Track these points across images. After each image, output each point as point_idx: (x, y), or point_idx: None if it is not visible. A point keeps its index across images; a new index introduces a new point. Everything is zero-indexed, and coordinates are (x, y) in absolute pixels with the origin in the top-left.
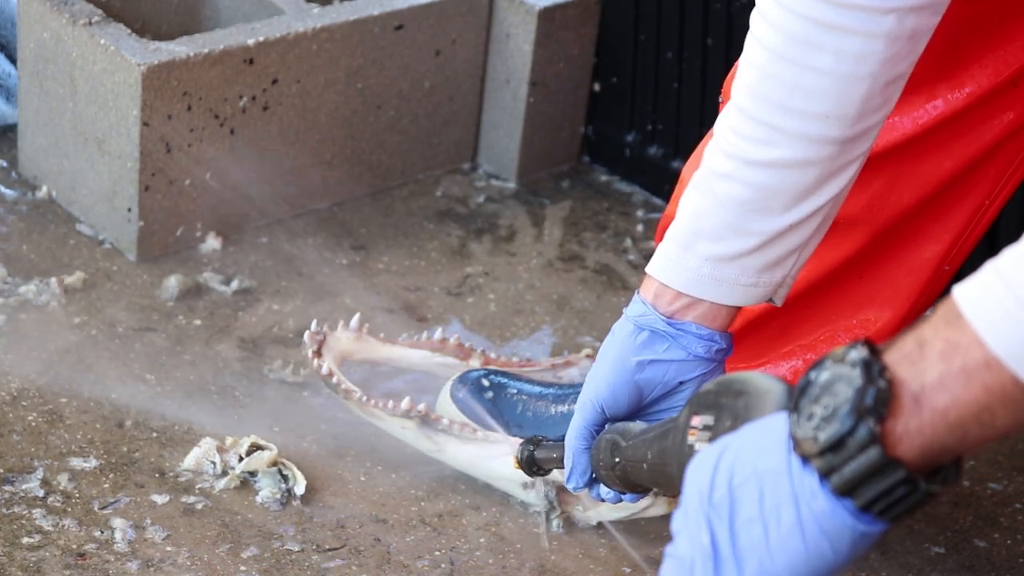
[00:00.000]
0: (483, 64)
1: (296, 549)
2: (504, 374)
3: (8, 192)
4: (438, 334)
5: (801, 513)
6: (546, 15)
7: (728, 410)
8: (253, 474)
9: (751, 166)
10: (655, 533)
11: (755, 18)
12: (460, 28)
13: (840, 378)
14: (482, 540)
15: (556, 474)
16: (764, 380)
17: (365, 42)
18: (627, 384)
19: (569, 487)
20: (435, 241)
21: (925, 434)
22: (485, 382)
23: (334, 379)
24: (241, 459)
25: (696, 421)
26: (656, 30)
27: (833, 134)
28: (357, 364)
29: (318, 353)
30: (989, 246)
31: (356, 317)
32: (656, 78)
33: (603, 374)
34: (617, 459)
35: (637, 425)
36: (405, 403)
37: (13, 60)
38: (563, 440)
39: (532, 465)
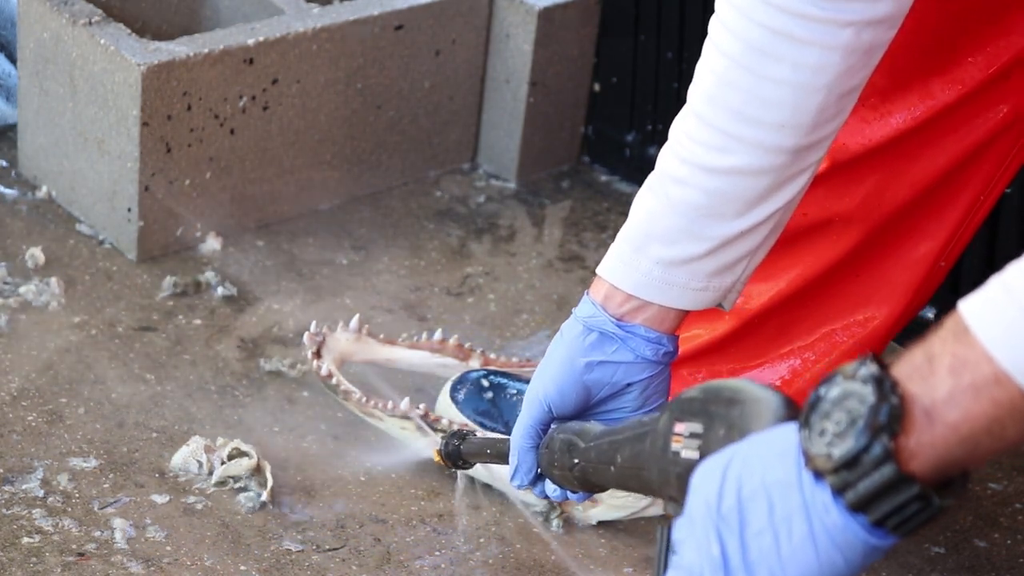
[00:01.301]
0: (483, 64)
1: (296, 549)
2: (504, 374)
3: (8, 192)
4: (438, 335)
5: (813, 526)
6: (546, 15)
7: (720, 419)
8: (235, 479)
9: (705, 172)
10: (655, 533)
11: (714, 25)
12: (460, 28)
13: (851, 394)
14: (482, 540)
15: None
16: (756, 388)
17: (365, 42)
18: (575, 384)
19: (513, 485)
20: (435, 241)
21: (937, 449)
22: (485, 383)
23: (333, 380)
24: (223, 463)
25: (681, 428)
26: (656, 30)
27: (788, 143)
28: (357, 365)
29: (318, 354)
30: (989, 244)
31: (356, 318)
32: (656, 78)
33: (551, 374)
34: (576, 460)
35: (594, 426)
36: (405, 404)
37: (13, 60)
38: (490, 437)
39: (457, 459)
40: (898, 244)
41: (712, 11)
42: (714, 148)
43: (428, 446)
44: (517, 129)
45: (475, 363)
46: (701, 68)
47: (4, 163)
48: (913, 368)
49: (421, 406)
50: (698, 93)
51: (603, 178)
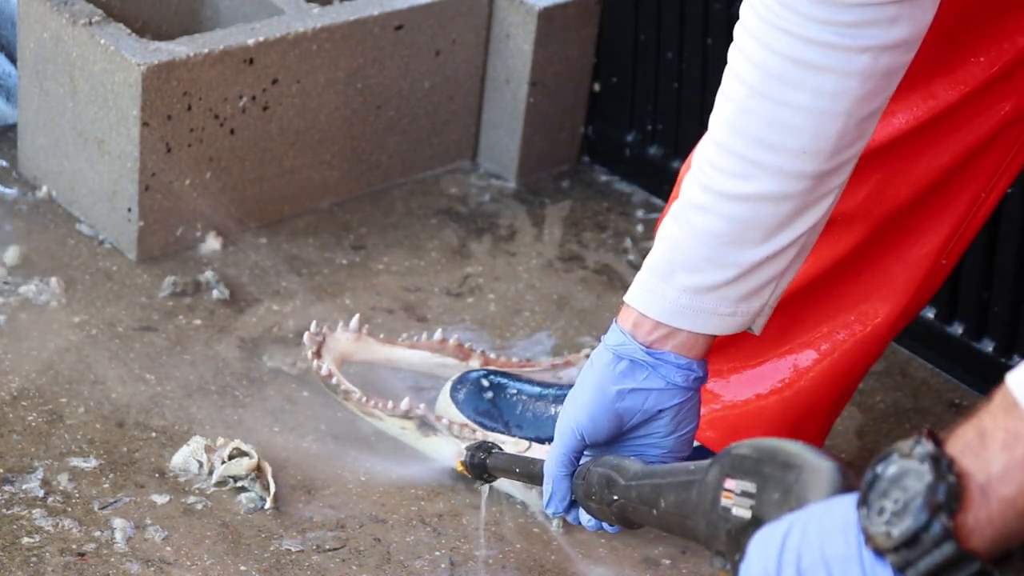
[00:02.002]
0: (483, 64)
1: (296, 549)
2: (504, 374)
3: (8, 192)
4: (438, 334)
5: None
6: (546, 15)
7: (775, 481)
8: (236, 479)
9: (728, 199)
10: (655, 533)
11: (733, 53)
12: (460, 28)
13: (908, 472)
14: (482, 540)
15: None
16: (813, 456)
17: (365, 42)
18: (607, 412)
19: (548, 511)
20: (435, 241)
21: (995, 524)
22: (485, 382)
23: (333, 380)
24: (223, 462)
25: (732, 484)
26: (656, 30)
27: (809, 169)
28: (357, 365)
29: (318, 354)
30: (989, 244)
31: (356, 318)
32: (656, 78)
33: (583, 402)
34: (616, 497)
35: (632, 463)
36: (405, 403)
37: (13, 60)
38: (518, 456)
39: (482, 472)
40: (899, 242)
41: (712, 10)
42: (735, 175)
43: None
44: (517, 129)
45: (475, 363)
46: (721, 96)
47: (4, 163)
48: (965, 444)
49: (421, 406)
50: (719, 121)
51: (603, 178)
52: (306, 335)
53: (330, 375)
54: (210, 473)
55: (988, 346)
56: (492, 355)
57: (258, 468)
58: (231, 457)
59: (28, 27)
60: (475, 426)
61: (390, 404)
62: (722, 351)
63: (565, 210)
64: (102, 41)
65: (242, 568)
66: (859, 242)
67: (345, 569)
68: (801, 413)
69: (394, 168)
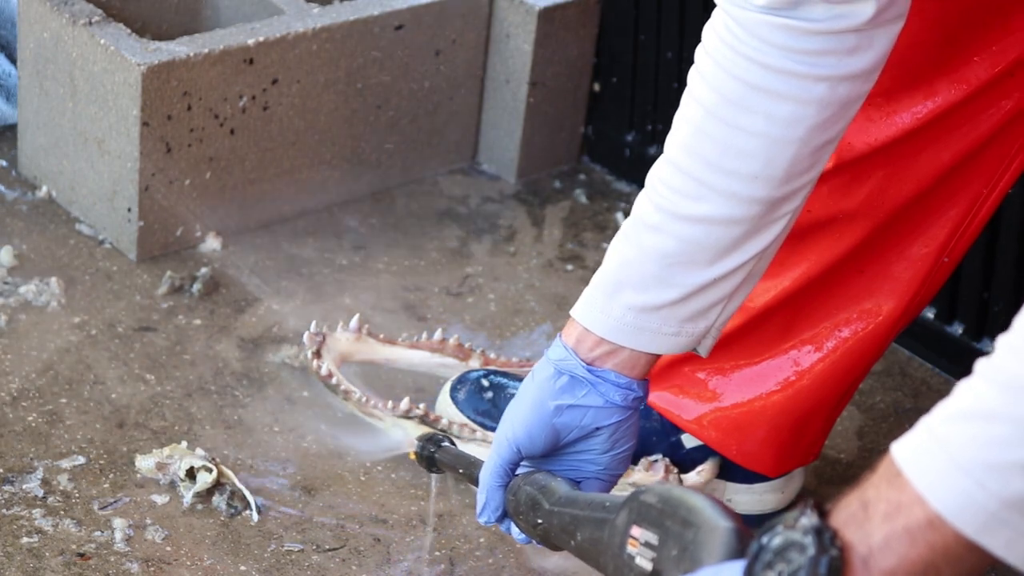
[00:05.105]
0: (483, 64)
1: (296, 549)
2: (504, 374)
3: (8, 192)
4: (438, 334)
5: None
6: (546, 15)
7: (674, 537)
8: (210, 492)
9: (679, 220)
10: None
11: (693, 75)
12: (460, 28)
13: (792, 545)
14: (482, 540)
15: None
16: (711, 514)
17: (365, 42)
18: (544, 427)
19: (481, 521)
20: (435, 241)
21: None
22: (485, 382)
23: (333, 380)
24: (182, 480)
25: (637, 533)
26: (656, 30)
27: (761, 194)
28: (357, 365)
29: (318, 354)
30: (990, 243)
31: (356, 318)
32: (656, 78)
33: (521, 416)
34: (540, 520)
35: (559, 485)
36: (405, 403)
37: (13, 60)
38: (464, 454)
39: (431, 464)
40: (901, 240)
41: (712, 11)
42: (688, 196)
43: (405, 440)
44: (517, 129)
45: (475, 363)
46: (678, 117)
47: (4, 163)
48: (849, 515)
49: (421, 406)
50: (674, 142)
51: (603, 178)
52: (306, 335)
53: (330, 375)
54: (172, 483)
55: (988, 346)
56: (492, 355)
57: (221, 475)
58: (190, 475)
59: (28, 27)
60: (475, 426)
61: (390, 404)
62: (724, 349)
63: (565, 210)
64: (102, 41)
65: (242, 568)
66: (861, 240)
67: (345, 569)
68: (803, 411)
69: (394, 168)
